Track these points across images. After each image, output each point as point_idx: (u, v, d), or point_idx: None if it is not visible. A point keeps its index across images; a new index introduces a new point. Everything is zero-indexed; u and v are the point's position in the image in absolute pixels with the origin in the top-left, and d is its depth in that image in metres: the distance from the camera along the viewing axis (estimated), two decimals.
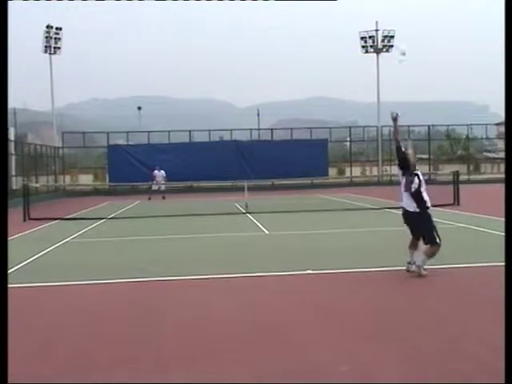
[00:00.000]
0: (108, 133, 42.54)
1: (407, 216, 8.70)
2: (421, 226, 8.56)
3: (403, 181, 8.71)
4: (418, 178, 8.59)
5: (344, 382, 4.47)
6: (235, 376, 4.67)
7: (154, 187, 31.90)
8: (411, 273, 8.52)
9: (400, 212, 9.02)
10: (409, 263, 8.67)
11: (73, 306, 7.39)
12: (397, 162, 8.91)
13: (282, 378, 4.61)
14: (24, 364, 5.15)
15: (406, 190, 8.61)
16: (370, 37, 44.22)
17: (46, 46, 41.21)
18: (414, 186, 8.51)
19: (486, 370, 4.62)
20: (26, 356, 5.37)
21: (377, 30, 44.15)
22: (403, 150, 8.84)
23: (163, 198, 31.80)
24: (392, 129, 9.16)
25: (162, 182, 32.16)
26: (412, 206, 8.56)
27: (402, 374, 4.61)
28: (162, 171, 33.09)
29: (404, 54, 9.38)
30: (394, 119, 8.88)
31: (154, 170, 33.04)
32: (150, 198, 31.41)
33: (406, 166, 8.70)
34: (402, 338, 5.57)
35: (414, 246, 8.76)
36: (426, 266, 8.41)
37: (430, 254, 8.40)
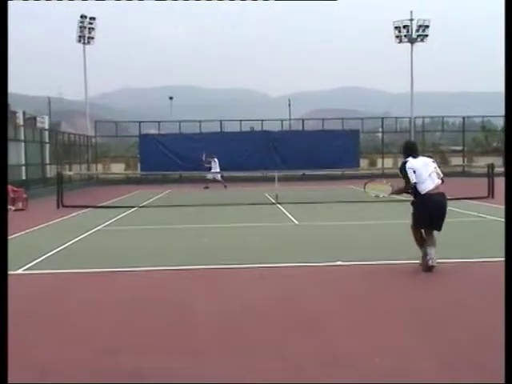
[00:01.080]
0: (140, 122, 42.83)
1: (442, 201, 8.50)
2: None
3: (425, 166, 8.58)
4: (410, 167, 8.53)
5: (376, 374, 4.48)
6: (268, 367, 4.70)
7: (210, 176, 32.04)
8: (431, 267, 8.28)
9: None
10: (430, 258, 8.31)
11: (106, 292, 7.50)
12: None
13: (316, 368, 4.63)
14: (59, 349, 5.25)
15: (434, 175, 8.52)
16: (404, 26, 43.62)
17: (80, 36, 41.55)
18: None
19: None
20: (64, 341, 5.47)
21: (411, 20, 43.56)
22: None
23: (225, 187, 31.32)
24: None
25: (217, 170, 32.14)
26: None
27: (434, 369, 4.58)
28: (216, 160, 32.85)
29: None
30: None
31: (210, 160, 32.85)
32: (207, 187, 31.47)
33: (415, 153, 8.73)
34: (438, 332, 5.54)
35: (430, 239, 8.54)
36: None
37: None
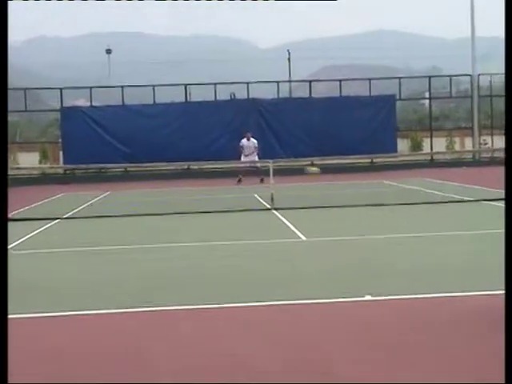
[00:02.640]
0: (61, 89, 42.58)
1: None
2: None
3: None
4: None
5: None
6: None
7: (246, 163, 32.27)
8: None
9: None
10: None
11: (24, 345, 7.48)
12: None
13: None
14: None
15: None
16: None
17: None
18: None
19: None
20: None
21: None
22: None
23: (261, 180, 31.16)
24: None
25: (254, 155, 32.59)
26: None
27: None
28: (253, 139, 33.54)
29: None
30: None
31: (241, 139, 33.46)
32: (240, 181, 31.53)
33: None
34: None
35: None
36: None
37: None
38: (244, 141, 33.45)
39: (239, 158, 32.74)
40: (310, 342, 7.30)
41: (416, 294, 9.22)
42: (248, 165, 32.51)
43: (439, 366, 6.42)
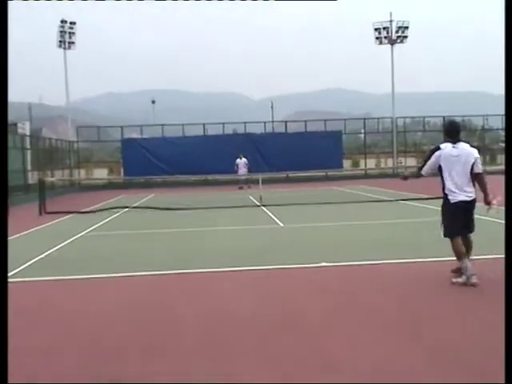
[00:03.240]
0: (122, 127, 42.62)
1: (467, 208, 7.43)
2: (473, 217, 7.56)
3: (459, 162, 7.37)
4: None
5: (360, 380, 4.45)
6: (255, 372, 4.66)
7: (240, 177, 32.96)
8: (473, 285, 7.19)
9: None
10: (473, 275, 7.22)
11: (92, 299, 7.41)
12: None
13: (301, 374, 4.60)
14: (43, 359, 5.17)
15: (462, 175, 7.35)
16: (384, 28, 43.85)
17: (60, 41, 41.21)
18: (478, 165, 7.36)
19: None
20: (41, 350, 5.40)
21: (391, 21, 43.79)
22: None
23: (241, 188, 32.27)
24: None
25: (245, 170, 33.25)
26: (471, 194, 7.40)
27: (429, 371, 4.55)
28: (244, 159, 34.18)
29: None
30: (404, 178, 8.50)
31: (236, 159, 34.07)
32: (241, 188, 31.89)
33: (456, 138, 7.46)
34: (424, 335, 5.51)
35: (466, 251, 7.42)
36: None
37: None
38: (238, 160, 34.16)
39: (237, 172, 33.27)
40: (281, 295, 7.25)
41: (358, 261, 9.16)
42: (243, 177, 32.83)
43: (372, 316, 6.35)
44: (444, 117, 44.11)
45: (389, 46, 44.05)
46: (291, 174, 36.22)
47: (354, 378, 4.43)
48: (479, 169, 7.51)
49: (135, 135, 46.44)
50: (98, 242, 12.83)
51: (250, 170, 33.23)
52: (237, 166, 33.96)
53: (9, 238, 13.27)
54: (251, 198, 23.74)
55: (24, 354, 5.22)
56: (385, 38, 43.88)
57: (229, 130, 45.18)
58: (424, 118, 46.64)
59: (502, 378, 3.83)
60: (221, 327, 5.91)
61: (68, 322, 6.32)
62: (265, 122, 44.71)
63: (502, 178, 5.64)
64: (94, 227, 15.44)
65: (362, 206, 19.60)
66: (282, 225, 14.81)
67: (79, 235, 13.77)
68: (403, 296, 6.96)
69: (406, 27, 43.66)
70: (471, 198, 7.44)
